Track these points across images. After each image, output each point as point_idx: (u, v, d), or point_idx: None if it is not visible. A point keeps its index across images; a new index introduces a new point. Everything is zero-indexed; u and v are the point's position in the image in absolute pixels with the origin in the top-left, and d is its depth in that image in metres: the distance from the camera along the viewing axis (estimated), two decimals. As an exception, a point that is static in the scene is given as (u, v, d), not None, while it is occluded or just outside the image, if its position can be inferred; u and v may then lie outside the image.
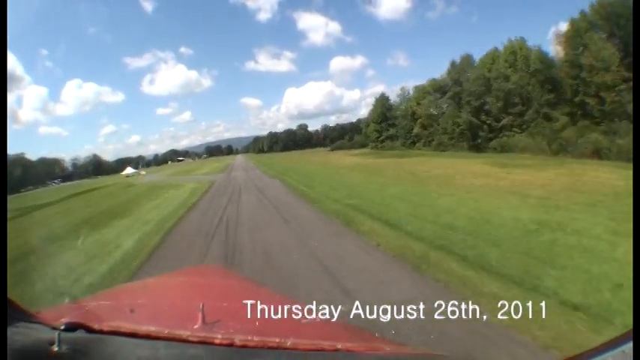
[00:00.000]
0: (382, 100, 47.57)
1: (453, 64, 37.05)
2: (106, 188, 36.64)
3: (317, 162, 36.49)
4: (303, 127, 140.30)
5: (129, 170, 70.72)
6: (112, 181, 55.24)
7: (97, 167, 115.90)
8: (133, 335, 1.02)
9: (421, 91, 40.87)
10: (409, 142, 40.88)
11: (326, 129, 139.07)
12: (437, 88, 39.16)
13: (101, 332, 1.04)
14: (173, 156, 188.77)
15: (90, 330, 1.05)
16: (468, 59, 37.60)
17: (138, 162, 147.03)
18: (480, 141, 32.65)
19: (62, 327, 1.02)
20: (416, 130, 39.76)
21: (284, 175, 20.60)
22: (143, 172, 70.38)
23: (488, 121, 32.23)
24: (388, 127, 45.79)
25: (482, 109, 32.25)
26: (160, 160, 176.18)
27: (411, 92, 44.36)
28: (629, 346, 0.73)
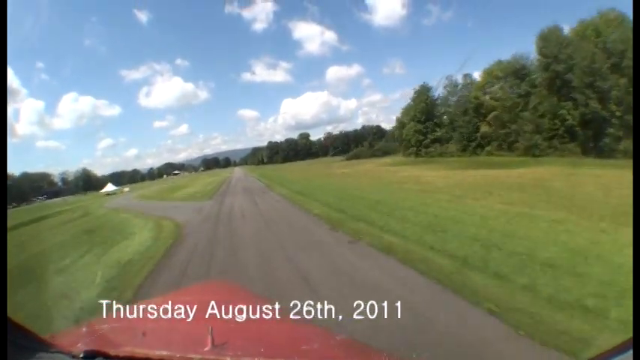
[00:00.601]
0: (423, 93, 36.49)
1: (542, 37, 26.10)
2: (46, 220, 24.93)
3: (356, 176, 24.81)
4: (304, 137, 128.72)
5: (109, 188, 61.38)
6: (81, 202, 46.45)
7: (87, 182, 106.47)
8: None
9: (487, 77, 30.00)
10: (474, 146, 29.74)
11: (329, 138, 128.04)
12: (511, 72, 28.31)
13: (117, 358, 1.05)
14: (169, 169, 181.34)
15: (107, 356, 1.05)
16: (556, 32, 26.81)
17: (133, 176, 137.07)
18: (607, 141, 21.50)
19: (81, 355, 1.03)
20: (484, 128, 28.73)
21: (373, 223, 7.90)
22: (126, 189, 60.51)
23: (617, 113, 21.18)
24: (435, 128, 34.66)
25: (608, 97, 21.27)
26: (154, 174, 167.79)
27: (460, 80, 33.58)
28: (629, 354, 0.73)
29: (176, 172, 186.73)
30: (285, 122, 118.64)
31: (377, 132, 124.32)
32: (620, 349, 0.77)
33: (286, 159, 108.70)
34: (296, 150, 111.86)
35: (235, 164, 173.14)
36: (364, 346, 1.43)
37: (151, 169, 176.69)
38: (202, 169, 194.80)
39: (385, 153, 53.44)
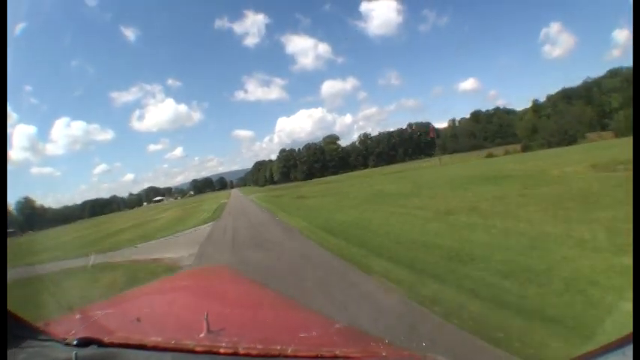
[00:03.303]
0: None
1: None
2: None
3: None
4: (332, 140, 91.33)
5: None
6: None
7: (30, 217, 76.63)
8: (141, 347, 1.04)
9: None
10: None
11: (366, 140, 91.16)
12: None
13: (112, 345, 1.05)
14: (151, 194, 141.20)
15: (101, 344, 1.05)
16: None
17: (108, 205, 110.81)
18: None
19: (75, 342, 1.03)
20: None
21: None
22: None
23: None
24: None
25: None
26: (132, 202, 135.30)
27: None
28: (629, 349, 0.74)
29: (158, 198, 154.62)
30: (280, 141, 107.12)
31: (427, 131, 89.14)
32: (619, 343, 0.75)
33: (311, 174, 71.65)
34: (323, 160, 74.99)
35: (232, 185, 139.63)
36: (363, 334, 1.44)
37: (130, 194, 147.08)
38: (192, 193, 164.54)
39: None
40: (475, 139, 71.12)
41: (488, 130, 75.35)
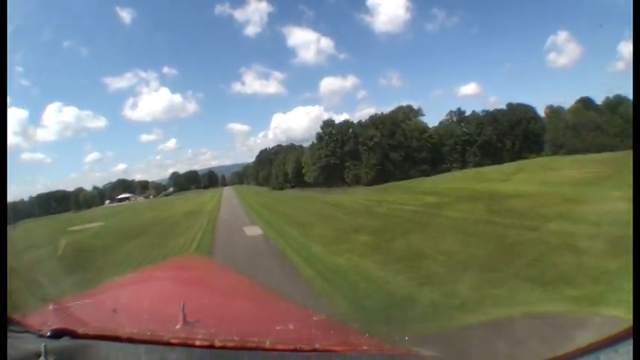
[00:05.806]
0: None
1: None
2: None
3: None
4: (408, 114, 50.72)
5: None
6: None
7: None
8: (116, 339, 1.01)
9: None
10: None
11: (460, 122, 52.17)
12: None
13: (86, 337, 1.02)
14: (119, 189, 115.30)
15: (75, 335, 1.03)
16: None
17: (63, 200, 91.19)
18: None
19: (48, 334, 1.02)
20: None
21: None
22: None
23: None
24: None
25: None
26: (90, 200, 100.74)
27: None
28: (628, 342, 0.75)
29: (123, 196, 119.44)
30: (275, 137, 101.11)
31: (534, 117, 55.24)
32: (619, 337, 0.76)
33: (385, 172, 35.60)
34: (406, 147, 39.14)
35: (224, 182, 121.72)
36: (342, 326, 1.37)
37: (94, 188, 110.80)
38: (171, 190, 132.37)
39: None
40: (603, 135, 47.21)
41: (617, 124, 46.37)
